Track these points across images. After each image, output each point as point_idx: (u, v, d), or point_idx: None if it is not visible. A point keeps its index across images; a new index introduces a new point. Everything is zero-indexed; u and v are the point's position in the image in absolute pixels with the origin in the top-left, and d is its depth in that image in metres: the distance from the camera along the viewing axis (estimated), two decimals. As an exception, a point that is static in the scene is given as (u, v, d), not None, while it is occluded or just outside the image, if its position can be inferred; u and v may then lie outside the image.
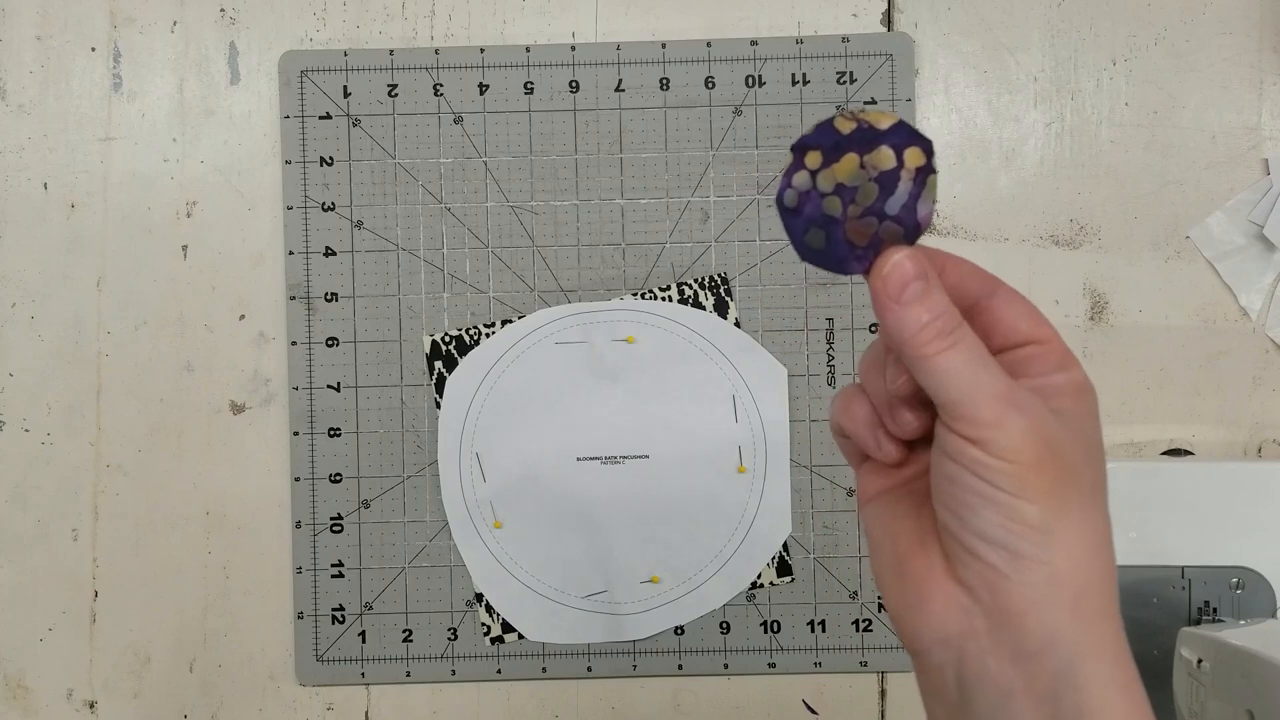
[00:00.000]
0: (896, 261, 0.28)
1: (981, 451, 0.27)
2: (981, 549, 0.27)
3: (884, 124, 0.28)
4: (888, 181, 0.28)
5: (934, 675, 0.29)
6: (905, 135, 0.28)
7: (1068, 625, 0.26)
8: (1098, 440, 0.29)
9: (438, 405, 0.55)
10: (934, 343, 0.27)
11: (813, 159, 0.28)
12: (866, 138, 0.28)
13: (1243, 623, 0.48)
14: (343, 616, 0.55)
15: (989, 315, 0.30)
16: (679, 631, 0.55)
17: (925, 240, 0.29)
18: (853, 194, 0.28)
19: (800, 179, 0.28)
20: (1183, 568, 0.49)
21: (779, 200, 0.29)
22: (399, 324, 0.55)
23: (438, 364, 0.55)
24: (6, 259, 0.56)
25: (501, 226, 0.55)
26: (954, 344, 0.27)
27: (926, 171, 0.28)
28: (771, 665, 0.55)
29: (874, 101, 0.55)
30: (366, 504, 0.55)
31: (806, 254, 0.29)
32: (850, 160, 0.28)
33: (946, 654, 0.28)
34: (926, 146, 0.28)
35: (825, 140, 0.28)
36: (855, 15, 0.56)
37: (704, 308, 0.55)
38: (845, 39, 0.55)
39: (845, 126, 0.28)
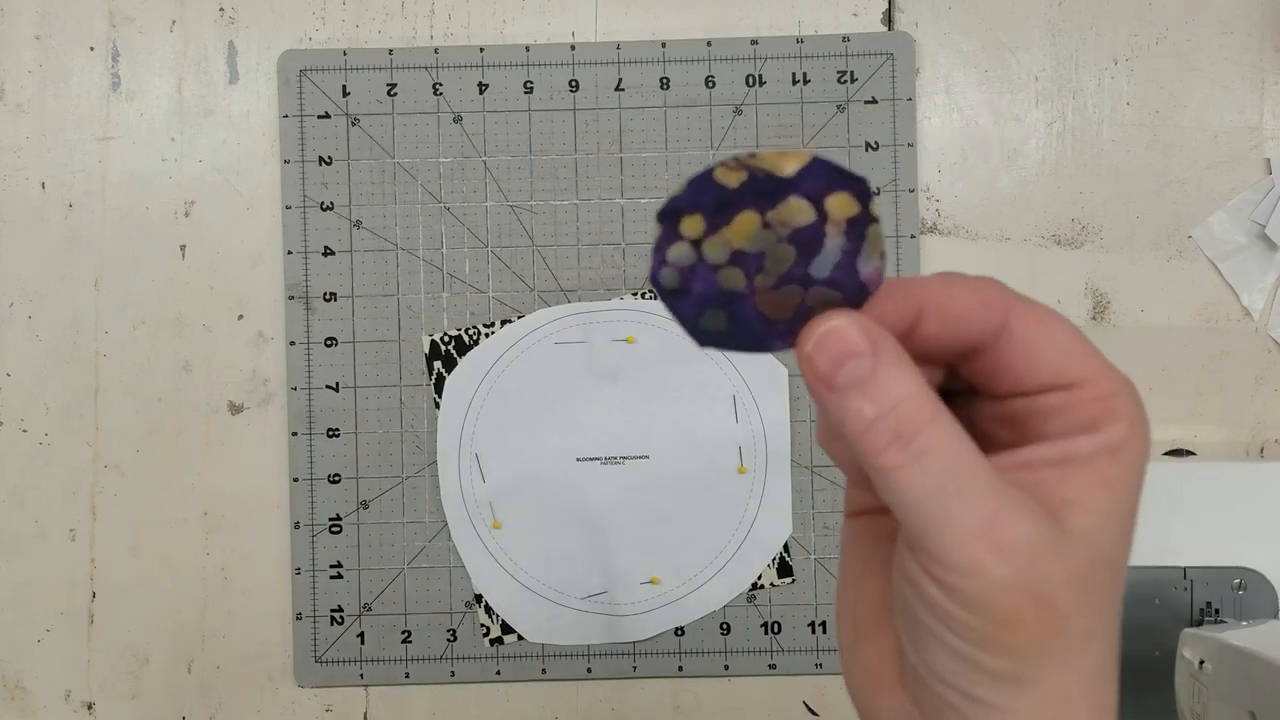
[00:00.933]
0: (826, 331, 0.21)
1: (944, 596, 0.21)
2: (934, 684, 0.22)
3: (787, 168, 0.22)
4: (807, 240, 0.22)
5: None
6: (823, 178, 0.22)
7: None
8: (1117, 549, 0.22)
9: (437, 405, 0.55)
10: (886, 453, 0.21)
11: (691, 226, 0.22)
12: (764, 189, 0.22)
13: (1245, 624, 0.48)
14: (341, 618, 0.55)
15: (999, 355, 0.23)
16: (679, 632, 0.55)
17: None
18: (759, 261, 0.22)
19: (678, 252, 0.22)
20: (1185, 568, 0.49)
21: (654, 279, 0.22)
22: (398, 324, 0.55)
23: (437, 364, 0.55)
24: (4, 258, 0.56)
25: (501, 226, 0.55)
26: (916, 459, 0.21)
27: (864, 222, 0.22)
28: (772, 666, 0.55)
29: (875, 101, 0.55)
30: (365, 504, 0.55)
31: (706, 339, 0.23)
32: (747, 219, 0.22)
33: None
34: (857, 189, 0.22)
35: (705, 199, 0.22)
36: (856, 14, 0.56)
37: (704, 308, 0.55)
38: (846, 38, 0.55)
39: (731, 178, 0.22)
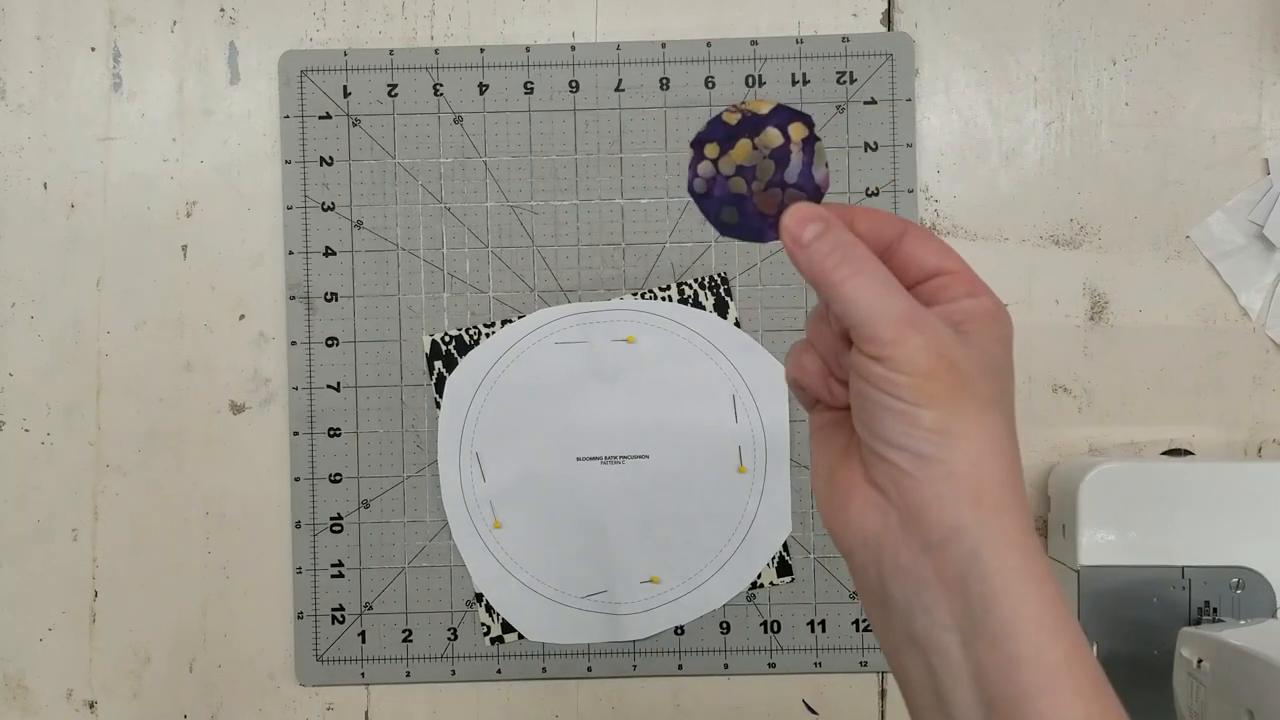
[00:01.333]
0: (793, 209, 0.31)
1: (883, 367, 0.30)
2: (888, 452, 0.30)
3: (764, 109, 0.32)
4: (780, 156, 0.32)
5: (861, 575, 0.32)
6: (785, 115, 0.32)
7: (968, 517, 0.29)
8: (1002, 360, 0.31)
9: (438, 405, 0.55)
10: (838, 269, 0.30)
11: (711, 150, 0.32)
12: (752, 124, 0.32)
13: (1243, 623, 0.48)
14: (342, 616, 0.55)
15: (902, 254, 0.32)
16: (679, 631, 0.55)
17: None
18: (752, 172, 0.32)
19: (705, 168, 0.32)
20: (1183, 568, 0.49)
21: (690, 189, 0.33)
22: (399, 324, 0.55)
23: (438, 364, 0.55)
24: (6, 259, 0.56)
25: (501, 226, 0.55)
26: (857, 271, 0.30)
27: (811, 140, 0.32)
28: (771, 665, 0.55)
29: (874, 101, 0.55)
30: (366, 504, 0.55)
31: (725, 230, 0.33)
32: (744, 144, 0.32)
33: (868, 553, 0.31)
34: (807, 120, 0.32)
35: (718, 133, 0.32)
36: (855, 15, 0.56)
37: (704, 307, 0.55)
38: (845, 39, 0.55)
39: (732, 118, 0.32)
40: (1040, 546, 0.30)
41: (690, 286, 0.55)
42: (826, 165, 0.32)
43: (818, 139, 0.32)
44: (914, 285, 0.32)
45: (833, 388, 0.34)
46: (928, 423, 0.29)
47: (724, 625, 0.55)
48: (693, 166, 0.33)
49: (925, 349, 0.29)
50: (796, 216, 0.31)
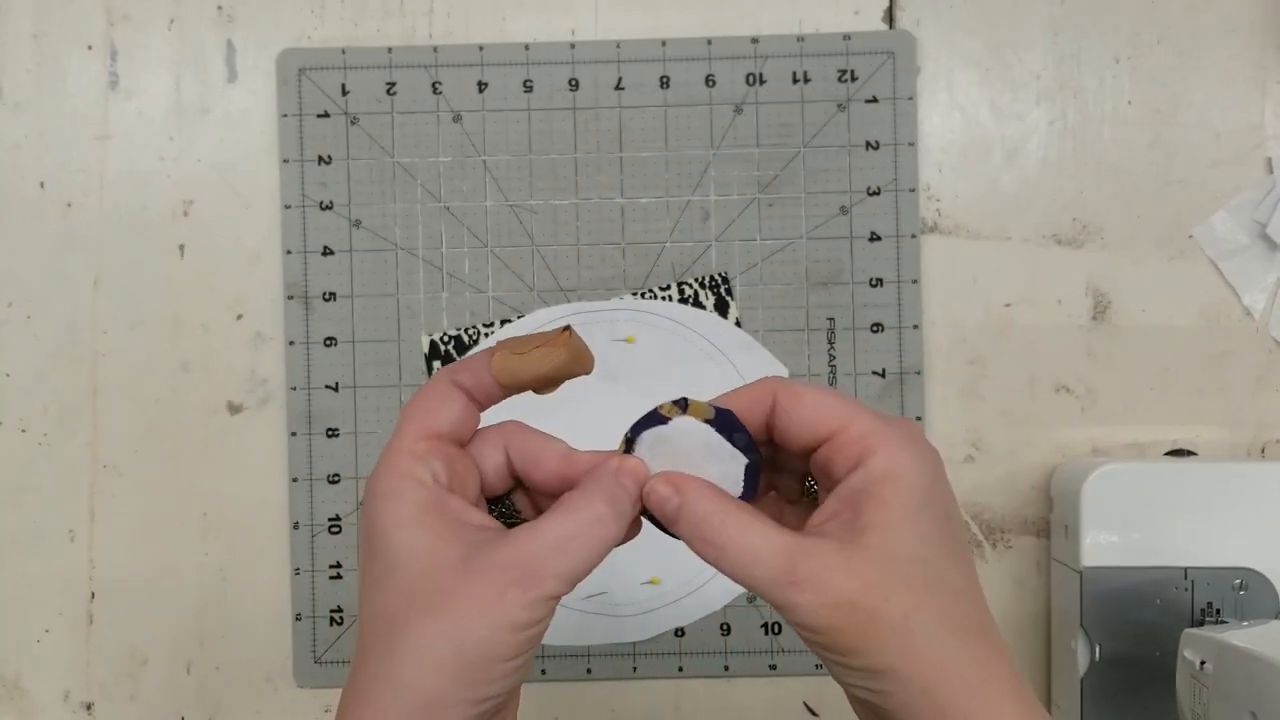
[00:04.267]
0: (647, 489, 0.31)
1: (798, 629, 0.29)
2: (846, 688, 0.30)
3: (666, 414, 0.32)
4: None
5: None
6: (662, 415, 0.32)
7: None
8: (908, 548, 0.29)
9: (436, 405, 0.55)
10: (706, 552, 0.30)
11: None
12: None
13: (1246, 624, 0.48)
14: (341, 618, 0.55)
15: (779, 428, 0.31)
16: (679, 633, 0.55)
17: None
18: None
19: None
20: (1185, 569, 0.49)
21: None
22: (397, 324, 0.55)
23: (436, 364, 0.55)
24: (2, 258, 0.56)
25: (500, 226, 0.55)
26: (721, 549, 0.29)
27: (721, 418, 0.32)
28: (772, 667, 0.55)
29: (875, 100, 0.55)
30: (365, 505, 0.55)
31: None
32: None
33: None
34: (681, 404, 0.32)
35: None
36: (857, 13, 0.55)
37: (704, 307, 0.55)
38: (847, 36, 0.55)
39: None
40: (1031, 698, 0.29)
41: (690, 286, 0.55)
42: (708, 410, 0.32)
43: (686, 401, 0.32)
44: (809, 452, 0.31)
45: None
46: (856, 666, 0.28)
47: (724, 627, 0.55)
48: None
49: (815, 608, 0.28)
50: (652, 499, 0.31)
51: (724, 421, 0.31)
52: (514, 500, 0.34)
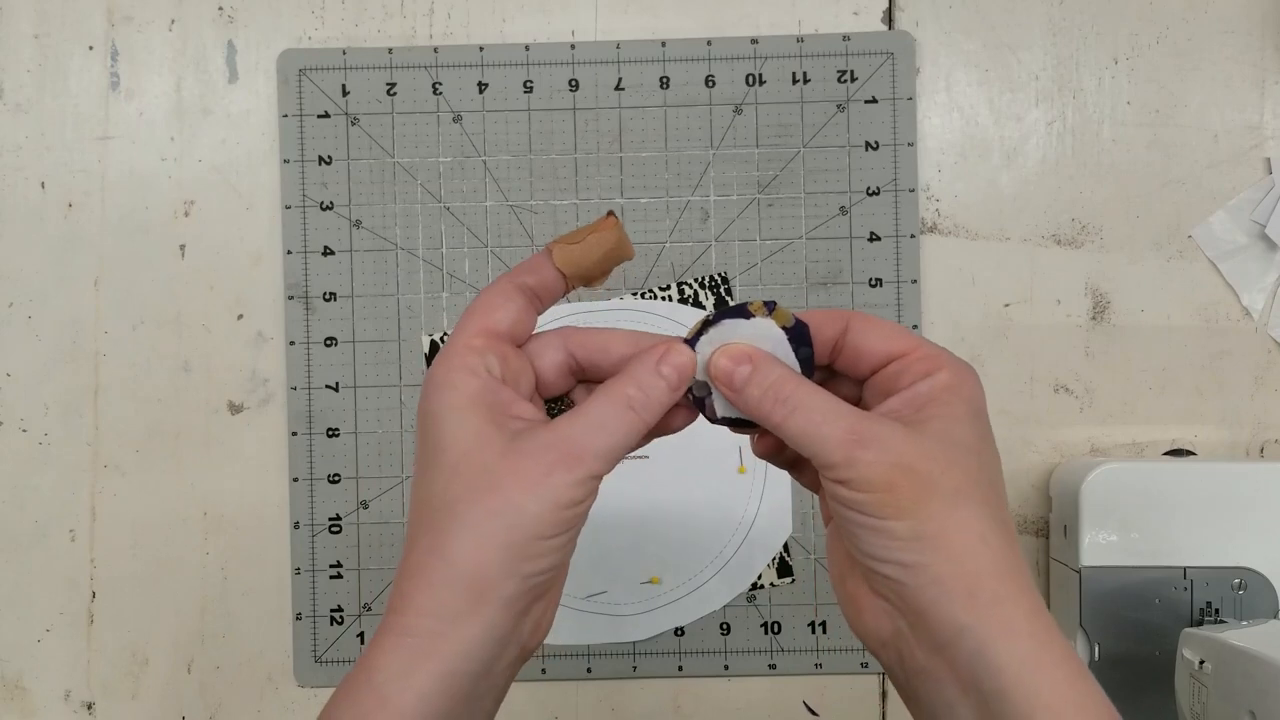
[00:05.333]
0: (720, 353, 0.32)
1: (845, 489, 0.30)
2: (876, 565, 0.30)
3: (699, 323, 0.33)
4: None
5: (890, 672, 0.32)
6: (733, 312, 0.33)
7: (966, 616, 0.29)
8: (969, 439, 0.31)
9: (437, 405, 0.55)
10: (775, 410, 0.31)
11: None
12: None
13: (1245, 624, 0.48)
14: (341, 617, 0.55)
15: (849, 349, 0.33)
16: (679, 632, 0.55)
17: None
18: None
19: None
20: (1184, 568, 0.49)
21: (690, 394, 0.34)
22: (398, 324, 0.55)
23: (437, 364, 0.55)
24: (4, 258, 0.56)
25: (501, 226, 0.55)
26: (793, 408, 0.31)
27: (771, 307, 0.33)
28: (772, 666, 0.55)
29: (875, 100, 0.55)
30: (365, 504, 0.55)
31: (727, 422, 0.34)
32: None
33: (889, 654, 0.32)
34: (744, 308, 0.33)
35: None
36: (856, 13, 0.56)
37: (704, 307, 0.55)
38: (846, 37, 0.55)
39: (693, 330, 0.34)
40: (1052, 624, 0.29)
41: (690, 286, 0.55)
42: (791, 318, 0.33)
43: (774, 304, 0.33)
44: (870, 376, 0.33)
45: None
46: (900, 533, 0.29)
47: (724, 626, 0.55)
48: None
49: (876, 463, 0.29)
50: (724, 363, 0.32)
51: (799, 333, 0.33)
52: (575, 399, 0.35)
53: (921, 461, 0.30)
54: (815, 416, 0.30)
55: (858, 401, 0.34)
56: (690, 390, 0.33)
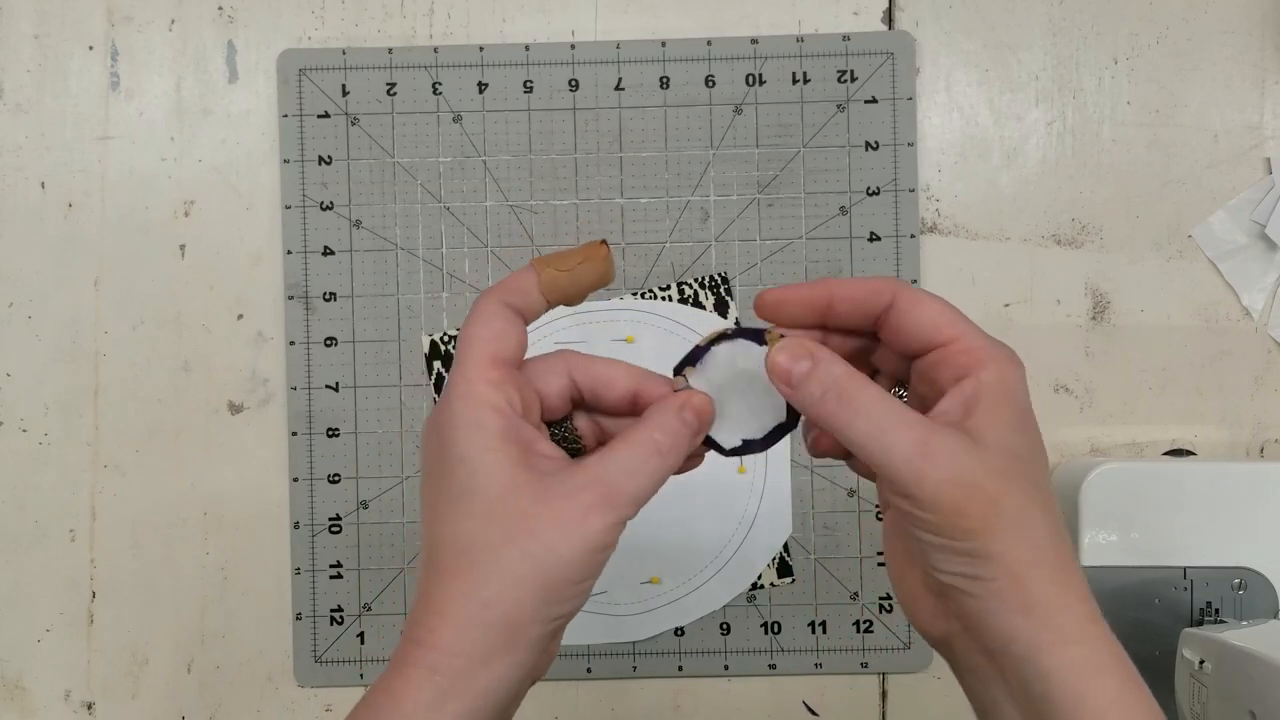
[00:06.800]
0: (779, 346, 0.31)
1: (910, 505, 0.30)
2: (938, 574, 0.31)
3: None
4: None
5: (948, 662, 0.33)
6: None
7: (1020, 626, 0.29)
8: (1020, 449, 0.30)
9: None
10: (838, 413, 0.30)
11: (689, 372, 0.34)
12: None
13: (1245, 623, 0.48)
14: (341, 617, 0.55)
15: (892, 325, 0.32)
16: (679, 632, 0.55)
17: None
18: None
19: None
20: (1184, 568, 0.49)
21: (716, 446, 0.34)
22: (398, 324, 0.55)
23: (437, 364, 0.55)
24: (4, 258, 0.56)
25: (501, 226, 0.55)
26: (854, 414, 0.30)
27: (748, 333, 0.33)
28: (772, 666, 0.55)
29: (875, 100, 0.55)
30: (365, 504, 0.55)
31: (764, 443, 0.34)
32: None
33: (945, 649, 0.33)
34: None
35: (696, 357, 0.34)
36: (856, 13, 0.56)
37: (704, 307, 0.55)
38: (846, 37, 0.55)
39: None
40: (1105, 631, 0.30)
41: (690, 286, 0.55)
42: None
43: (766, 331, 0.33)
44: (915, 357, 0.32)
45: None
46: (966, 550, 0.30)
47: (724, 626, 0.55)
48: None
49: (945, 484, 0.29)
50: (783, 357, 0.31)
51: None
52: (574, 423, 0.35)
53: (988, 480, 0.29)
54: (882, 424, 0.30)
55: (906, 374, 0.34)
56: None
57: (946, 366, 0.31)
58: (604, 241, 0.34)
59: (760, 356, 0.32)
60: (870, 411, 0.30)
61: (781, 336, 0.32)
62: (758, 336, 0.33)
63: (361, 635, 0.55)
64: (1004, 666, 0.30)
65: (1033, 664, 0.29)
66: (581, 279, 0.33)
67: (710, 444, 0.34)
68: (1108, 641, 0.30)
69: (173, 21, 0.56)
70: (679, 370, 0.34)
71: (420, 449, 0.33)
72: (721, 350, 0.33)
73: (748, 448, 0.34)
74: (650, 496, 0.31)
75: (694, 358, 0.33)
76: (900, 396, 0.34)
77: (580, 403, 0.34)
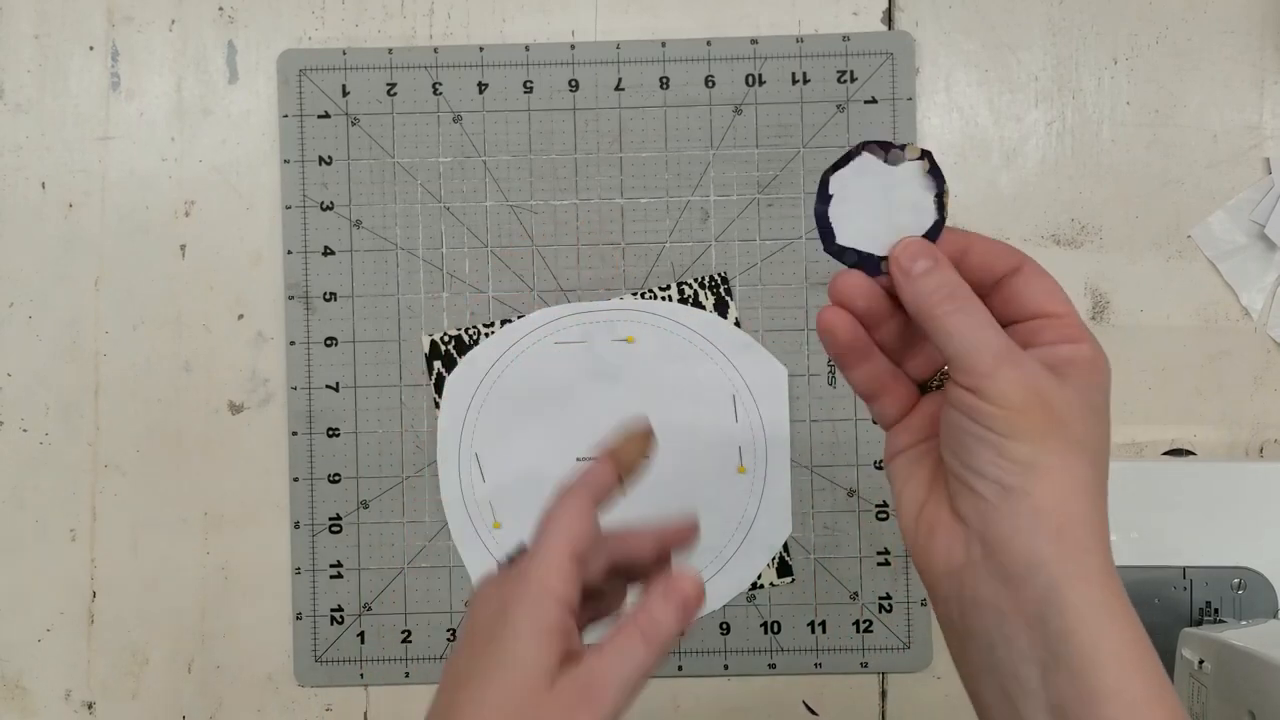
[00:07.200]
0: (904, 243, 0.33)
1: (977, 398, 0.31)
2: (975, 482, 0.31)
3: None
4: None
5: (943, 607, 0.33)
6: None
7: (1049, 552, 0.30)
8: (1098, 405, 0.32)
9: (437, 405, 0.55)
10: (942, 305, 0.32)
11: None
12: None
13: (1244, 623, 0.48)
14: (341, 617, 0.55)
15: (1009, 289, 0.33)
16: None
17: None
18: None
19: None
20: (1184, 568, 0.49)
21: (816, 213, 0.35)
22: (398, 324, 0.55)
23: (437, 364, 0.55)
24: (4, 258, 0.56)
25: (501, 226, 0.55)
26: (959, 309, 0.31)
27: (937, 172, 0.34)
28: (772, 666, 0.55)
29: (875, 100, 0.55)
30: (365, 504, 0.55)
31: (843, 256, 0.35)
32: None
33: (951, 585, 0.32)
34: (928, 155, 0.34)
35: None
36: (856, 14, 0.56)
37: (704, 307, 0.55)
38: (846, 38, 0.55)
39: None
40: (1121, 586, 0.30)
41: (690, 286, 0.55)
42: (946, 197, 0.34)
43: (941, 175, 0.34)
44: (1015, 323, 0.33)
45: (871, 342, 0.34)
46: (1016, 455, 0.30)
47: (724, 626, 0.55)
48: (823, 191, 0.35)
49: (1019, 383, 0.30)
50: (908, 251, 0.33)
51: (937, 170, 0.34)
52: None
53: (1059, 401, 0.31)
54: (982, 323, 0.31)
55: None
56: (819, 203, 0.34)
57: (1048, 332, 0.32)
58: (649, 429, 0.39)
59: (891, 173, 0.34)
60: (976, 313, 0.31)
61: (923, 153, 0.34)
62: (895, 151, 0.34)
63: (362, 635, 0.55)
64: (1022, 595, 0.30)
65: (1055, 594, 0.29)
66: (641, 469, 0.39)
67: (821, 224, 0.34)
68: (1123, 593, 0.30)
69: (173, 22, 0.56)
70: (829, 172, 0.34)
71: (470, 607, 0.35)
72: (865, 159, 0.34)
73: (852, 257, 0.34)
74: (643, 679, 0.33)
75: (847, 159, 0.34)
76: (938, 385, 0.36)
77: (616, 574, 0.38)
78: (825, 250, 0.34)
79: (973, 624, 0.31)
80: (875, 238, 0.34)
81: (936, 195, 0.34)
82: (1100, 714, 0.28)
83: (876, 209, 0.34)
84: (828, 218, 0.34)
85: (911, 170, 0.34)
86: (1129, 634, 0.29)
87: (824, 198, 0.34)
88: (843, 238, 0.34)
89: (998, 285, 0.33)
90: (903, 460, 0.35)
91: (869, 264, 0.34)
